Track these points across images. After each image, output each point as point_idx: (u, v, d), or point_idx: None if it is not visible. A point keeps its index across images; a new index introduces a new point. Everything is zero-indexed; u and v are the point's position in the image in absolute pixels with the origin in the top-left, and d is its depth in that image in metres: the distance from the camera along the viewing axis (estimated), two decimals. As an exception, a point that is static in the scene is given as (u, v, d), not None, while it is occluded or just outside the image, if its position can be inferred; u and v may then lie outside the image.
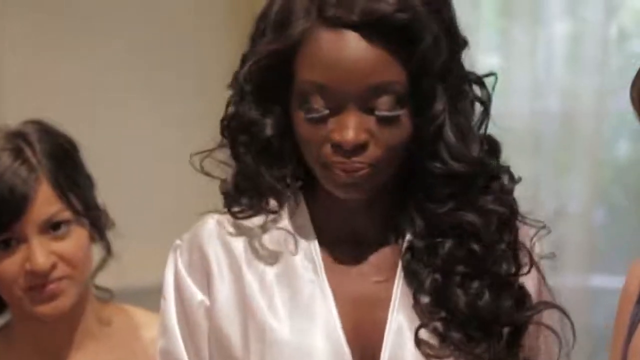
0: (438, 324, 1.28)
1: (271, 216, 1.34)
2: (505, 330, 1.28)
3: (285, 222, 1.35)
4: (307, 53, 1.24)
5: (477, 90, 1.32)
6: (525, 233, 1.35)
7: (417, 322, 1.28)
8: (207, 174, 1.33)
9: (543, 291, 1.36)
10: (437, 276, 1.29)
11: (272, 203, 1.33)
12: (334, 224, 1.34)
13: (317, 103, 1.24)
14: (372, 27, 1.21)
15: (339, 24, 1.22)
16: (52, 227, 1.54)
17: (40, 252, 1.51)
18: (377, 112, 1.23)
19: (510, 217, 1.31)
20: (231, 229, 1.35)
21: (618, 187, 3.91)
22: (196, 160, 1.33)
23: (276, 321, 1.28)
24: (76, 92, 3.12)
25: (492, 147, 1.33)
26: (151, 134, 3.31)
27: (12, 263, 1.53)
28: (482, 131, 1.32)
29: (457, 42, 1.29)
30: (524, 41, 3.50)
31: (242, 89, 1.30)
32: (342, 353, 1.27)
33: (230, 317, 1.31)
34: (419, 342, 1.27)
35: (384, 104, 1.23)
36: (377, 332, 1.29)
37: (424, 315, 1.28)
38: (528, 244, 1.34)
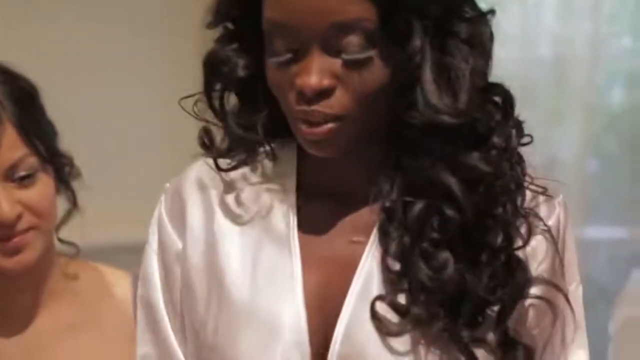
0: (401, 296, 1.15)
1: (255, 166, 1.27)
2: (468, 307, 1.14)
3: (269, 173, 1.27)
4: None
5: (472, 28, 1.16)
6: (543, 204, 1.22)
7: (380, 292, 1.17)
8: (200, 118, 1.25)
9: (557, 270, 1.23)
10: (406, 240, 1.16)
11: (260, 152, 1.26)
12: (319, 177, 1.24)
13: (280, 45, 1.13)
14: None
15: None
16: (18, 175, 1.47)
17: (6, 200, 1.45)
18: (344, 55, 1.11)
19: (498, 178, 1.17)
20: (213, 177, 1.28)
21: (611, 136, 3.89)
22: (186, 105, 1.24)
23: (237, 279, 1.22)
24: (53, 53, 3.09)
25: (500, 97, 1.19)
26: (123, 87, 3.26)
27: None
28: (479, 79, 1.15)
29: None
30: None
31: (222, 26, 1.21)
32: (299, 317, 1.18)
33: (198, 269, 1.25)
34: (374, 315, 1.15)
35: (351, 45, 1.10)
36: (341, 298, 1.18)
37: (388, 285, 1.16)
38: (546, 214, 1.22)
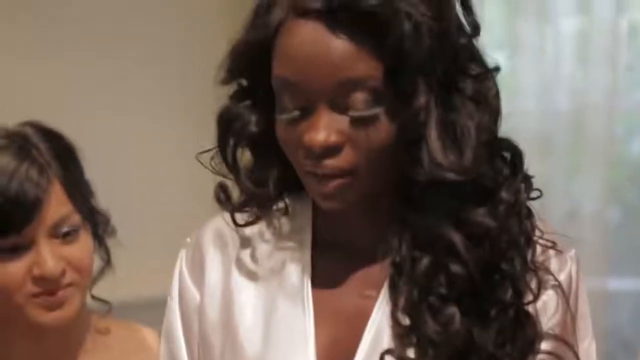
0: (410, 350, 1.17)
1: (270, 221, 1.30)
2: None
3: (284, 229, 1.29)
4: (278, 45, 1.15)
5: (477, 85, 1.17)
6: (553, 258, 1.24)
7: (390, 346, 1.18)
8: (217, 173, 1.28)
9: (568, 325, 1.23)
10: (414, 295, 1.17)
11: (275, 207, 1.29)
12: (332, 231, 1.27)
13: (288, 102, 1.15)
14: (338, 15, 1.10)
15: (305, 12, 1.12)
16: (62, 232, 1.50)
17: (51, 256, 1.48)
18: (351, 112, 1.13)
19: (502, 234, 1.17)
20: (230, 231, 1.31)
21: (632, 186, 3.88)
22: (202, 159, 1.28)
23: (250, 334, 1.24)
24: (63, 96, 3.10)
25: (509, 152, 1.21)
26: (150, 141, 3.28)
27: (19, 268, 1.49)
28: (485, 135, 1.16)
29: (449, 29, 1.15)
30: (531, 38, 3.46)
31: (236, 82, 1.24)
32: None
33: (214, 323, 1.28)
34: None
35: (358, 103, 1.12)
36: (351, 352, 1.20)
37: (397, 339, 1.18)
38: (557, 268, 1.23)
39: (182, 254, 1.35)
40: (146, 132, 3.28)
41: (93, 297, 1.64)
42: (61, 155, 1.54)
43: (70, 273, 1.51)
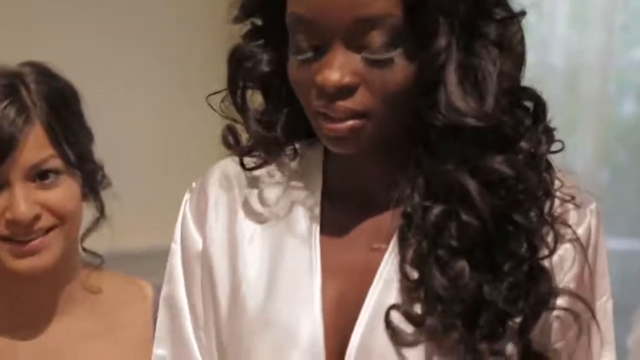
0: (416, 306, 1.13)
1: (280, 164, 1.26)
2: (485, 318, 1.12)
3: (297, 176, 1.26)
4: None
5: (502, 29, 1.12)
6: (572, 212, 1.19)
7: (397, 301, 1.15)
8: (225, 116, 1.24)
9: (585, 281, 1.19)
10: (424, 247, 1.13)
11: (284, 152, 1.25)
12: (344, 180, 1.23)
13: (302, 41, 1.11)
14: None
15: None
16: (40, 174, 1.46)
17: (24, 200, 1.43)
18: (365, 54, 1.08)
19: (518, 183, 1.13)
20: (238, 174, 1.28)
21: (622, 147, 3.88)
22: (212, 103, 1.24)
23: (253, 287, 1.21)
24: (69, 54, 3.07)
25: (531, 102, 1.16)
26: (142, 93, 3.26)
27: None
28: (507, 82, 1.11)
29: None
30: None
31: (249, 21, 1.20)
32: (316, 326, 1.17)
33: (220, 269, 1.25)
34: (389, 325, 1.13)
35: (375, 42, 1.08)
36: (358, 306, 1.16)
37: (405, 294, 1.14)
38: (576, 222, 1.19)
39: (187, 197, 1.32)
40: (145, 82, 3.26)
41: (84, 249, 1.59)
42: (53, 98, 1.49)
43: (47, 218, 1.46)
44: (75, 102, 1.55)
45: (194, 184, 1.33)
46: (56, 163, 1.47)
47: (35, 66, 1.52)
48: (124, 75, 3.22)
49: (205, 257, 1.27)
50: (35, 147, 1.45)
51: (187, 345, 1.28)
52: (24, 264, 1.46)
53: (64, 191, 1.48)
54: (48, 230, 1.47)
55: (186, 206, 1.31)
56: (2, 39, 2.84)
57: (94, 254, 1.60)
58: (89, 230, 1.58)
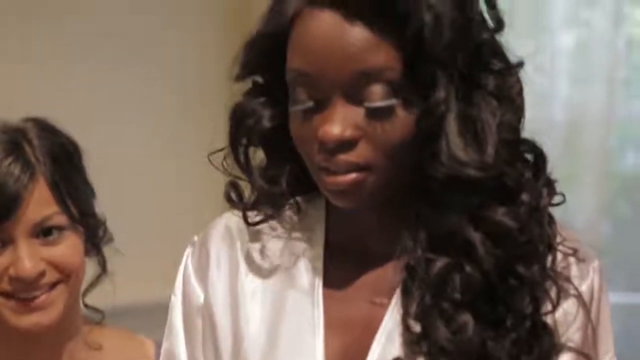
0: (419, 359, 1.13)
1: (282, 219, 1.27)
2: None
3: (300, 229, 1.26)
4: (293, 37, 1.12)
5: (500, 80, 1.13)
6: (574, 266, 1.20)
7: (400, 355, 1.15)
8: (227, 173, 1.25)
9: (589, 338, 1.19)
10: (427, 300, 1.13)
11: (287, 206, 1.26)
12: (345, 233, 1.24)
13: (302, 95, 1.12)
14: (356, 3, 1.07)
15: (321, 2, 1.09)
16: (44, 231, 1.47)
17: (28, 257, 1.44)
18: (366, 104, 1.10)
19: (521, 235, 1.13)
20: (241, 228, 1.28)
21: (624, 200, 3.88)
22: (212, 159, 1.25)
23: (255, 343, 1.21)
24: (71, 99, 3.07)
25: (532, 154, 1.18)
26: (149, 145, 3.26)
27: None
28: (507, 133, 1.13)
29: (471, 22, 1.12)
30: (527, 50, 3.47)
31: (251, 79, 1.21)
32: None
33: (221, 325, 1.25)
34: None
35: (374, 94, 1.09)
36: None
37: (408, 348, 1.14)
38: (579, 280, 1.19)
39: (188, 251, 1.32)
40: (144, 137, 3.26)
41: (86, 305, 1.60)
42: (56, 153, 1.50)
43: (52, 274, 1.47)
44: (77, 157, 1.56)
45: (195, 238, 1.33)
46: (60, 219, 1.48)
47: (37, 122, 1.53)
48: (126, 129, 3.22)
49: (206, 311, 1.26)
50: (40, 204, 1.46)
51: None
52: (28, 321, 1.46)
53: (68, 247, 1.48)
54: (52, 286, 1.46)
55: (188, 260, 1.31)
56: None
57: (95, 309, 1.59)
58: (91, 286, 1.58)
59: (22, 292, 1.45)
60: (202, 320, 1.27)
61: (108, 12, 3.25)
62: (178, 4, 3.41)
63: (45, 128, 1.53)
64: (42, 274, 1.45)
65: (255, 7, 1.22)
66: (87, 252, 1.54)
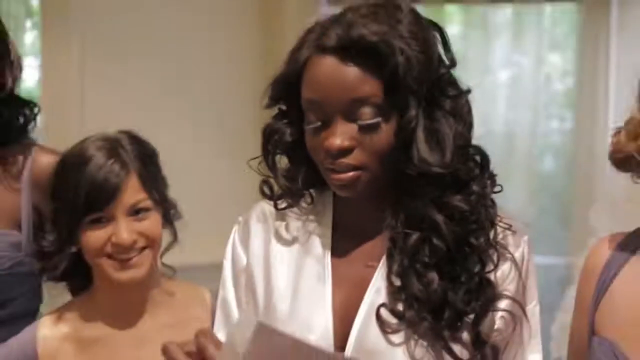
0: (399, 304, 1.14)
1: (303, 208, 1.27)
2: (448, 314, 1.12)
3: (314, 213, 1.26)
4: (305, 75, 1.14)
5: (454, 103, 1.15)
6: (510, 237, 1.20)
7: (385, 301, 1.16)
8: (261, 173, 1.26)
9: (520, 290, 1.19)
10: (405, 263, 1.14)
11: (304, 197, 1.26)
12: (347, 216, 1.24)
13: (313, 117, 1.14)
14: (348, 50, 1.10)
15: (324, 50, 1.12)
16: (136, 211, 1.48)
17: (125, 230, 1.45)
18: (359, 122, 1.12)
19: (471, 215, 1.14)
20: (272, 213, 1.29)
21: (544, 193, 3.88)
22: (251, 164, 1.26)
23: (282, 295, 1.21)
24: (139, 105, 3.07)
25: (480, 155, 1.18)
26: (205, 153, 3.26)
27: (100, 236, 1.46)
28: (460, 141, 1.14)
29: (432, 62, 1.14)
30: (475, 83, 3.48)
31: (277, 107, 1.23)
32: (327, 322, 1.17)
33: (258, 282, 1.25)
34: (379, 318, 1.14)
35: (364, 114, 1.11)
36: (357, 307, 1.17)
37: (391, 296, 1.15)
38: (514, 248, 1.19)
39: (235, 227, 1.32)
40: (207, 148, 3.26)
41: (163, 264, 1.59)
42: (142, 156, 1.51)
43: (141, 242, 1.47)
44: (156, 158, 1.56)
45: (240, 218, 1.33)
46: (147, 203, 1.48)
47: (127, 133, 1.54)
48: (191, 141, 3.21)
49: (248, 271, 1.27)
50: (133, 192, 1.47)
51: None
52: (126, 276, 1.47)
53: (152, 222, 1.49)
54: (141, 250, 1.48)
55: (235, 234, 1.32)
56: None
57: (169, 267, 1.60)
58: (166, 250, 1.58)
59: (121, 254, 1.46)
60: (245, 277, 1.28)
61: (177, 54, 3.24)
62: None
63: (133, 137, 1.54)
64: (134, 242, 1.46)
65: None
66: (163, 226, 1.54)
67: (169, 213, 1.55)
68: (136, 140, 1.53)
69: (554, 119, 3.89)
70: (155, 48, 3.17)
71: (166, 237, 1.57)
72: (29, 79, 3.28)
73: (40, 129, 1.81)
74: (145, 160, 1.51)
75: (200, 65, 3.28)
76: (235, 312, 1.28)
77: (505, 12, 3.64)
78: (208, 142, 3.27)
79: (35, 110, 1.73)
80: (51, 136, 2.61)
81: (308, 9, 3.31)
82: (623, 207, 1.27)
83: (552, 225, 3.75)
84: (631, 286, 1.21)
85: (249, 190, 1.38)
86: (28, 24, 3.17)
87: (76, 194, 1.45)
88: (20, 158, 1.70)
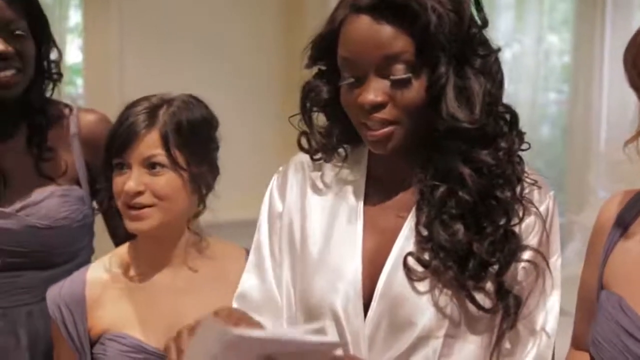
0: (426, 254, 1.09)
1: (339, 161, 1.22)
2: (472, 264, 1.07)
3: (348, 166, 1.21)
4: (341, 35, 1.09)
5: (483, 61, 1.08)
6: (535, 192, 1.13)
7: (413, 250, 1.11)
8: (302, 132, 1.20)
9: (544, 243, 1.13)
10: (432, 214, 1.09)
11: (341, 151, 1.21)
12: (381, 170, 1.19)
13: (347, 73, 1.09)
14: (381, 9, 1.04)
15: (359, 9, 1.06)
16: (151, 165, 1.39)
17: (135, 178, 1.37)
18: (391, 77, 1.06)
19: (498, 169, 1.08)
20: (309, 164, 1.24)
21: (541, 159, 3.83)
22: (294, 121, 1.21)
23: (316, 241, 1.17)
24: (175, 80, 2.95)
25: (509, 114, 1.12)
26: (249, 127, 3.16)
27: (120, 181, 1.39)
28: (488, 98, 1.08)
29: (464, 21, 1.07)
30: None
31: (317, 66, 1.17)
32: (357, 268, 1.12)
33: (297, 229, 1.20)
34: (406, 265, 1.09)
35: (397, 70, 1.05)
36: (387, 255, 1.12)
37: (418, 246, 1.10)
38: (539, 203, 1.12)
39: (275, 176, 1.28)
40: (248, 115, 3.17)
41: (189, 229, 1.48)
42: (181, 119, 1.41)
43: (149, 196, 1.38)
44: (204, 128, 1.46)
45: (280, 168, 1.28)
46: (162, 159, 1.38)
47: (187, 95, 1.45)
48: (229, 113, 3.15)
49: (285, 217, 1.22)
50: (151, 145, 1.38)
51: (267, 275, 1.22)
52: (132, 226, 1.40)
53: (166, 180, 1.39)
54: (150, 206, 1.39)
55: (273, 182, 1.27)
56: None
57: (196, 233, 1.49)
58: (194, 216, 1.48)
59: (129, 201, 1.39)
60: (280, 222, 1.23)
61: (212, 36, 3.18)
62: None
63: (188, 101, 1.44)
64: (140, 193, 1.38)
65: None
66: (194, 191, 1.44)
67: (197, 181, 1.43)
68: (187, 106, 1.43)
69: (551, 90, 3.85)
70: (189, 27, 3.12)
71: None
72: (74, 57, 3.20)
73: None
74: (183, 124, 1.41)
75: (232, 44, 3.23)
76: (268, 254, 1.23)
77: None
78: (241, 110, 3.15)
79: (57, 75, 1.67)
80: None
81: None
82: (623, 168, 1.20)
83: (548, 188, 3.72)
84: (638, 245, 1.15)
85: (288, 146, 1.31)
86: (73, 4, 3.10)
87: (109, 137, 1.41)
88: (65, 120, 1.67)
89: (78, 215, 1.63)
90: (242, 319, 1.09)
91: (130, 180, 1.37)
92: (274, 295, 1.20)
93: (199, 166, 1.43)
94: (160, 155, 1.38)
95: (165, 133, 1.39)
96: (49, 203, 1.59)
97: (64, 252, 1.62)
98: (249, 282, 1.24)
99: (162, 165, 1.38)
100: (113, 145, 1.40)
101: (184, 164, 1.40)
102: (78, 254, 1.65)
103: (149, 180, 1.38)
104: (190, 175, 1.41)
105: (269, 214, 1.25)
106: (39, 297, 1.54)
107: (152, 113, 1.39)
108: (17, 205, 1.57)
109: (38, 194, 1.59)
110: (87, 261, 1.65)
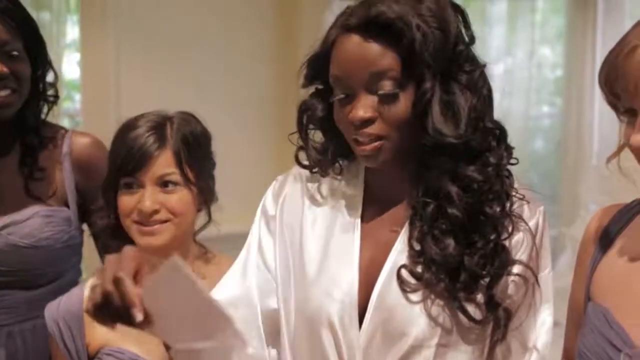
0: (418, 267, 1.10)
1: (336, 176, 1.22)
2: (464, 276, 1.08)
3: (345, 180, 1.22)
4: (333, 54, 1.10)
5: (469, 77, 1.09)
6: (525, 207, 1.14)
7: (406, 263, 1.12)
8: (300, 147, 1.21)
9: (533, 258, 1.13)
10: (424, 229, 1.10)
11: (336, 167, 1.22)
12: (376, 185, 1.20)
13: (339, 91, 1.10)
14: (369, 28, 1.06)
15: (347, 28, 1.08)
16: (164, 183, 1.41)
17: (150, 198, 1.39)
18: (379, 92, 1.07)
19: (486, 185, 1.08)
20: (308, 176, 1.24)
21: (535, 171, 3.84)
22: (292, 139, 1.22)
23: (312, 257, 1.18)
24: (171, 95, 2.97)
25: (498, 129, 1.12)
26: (248, 143, 3.19)
27: (130, 200, 1.40)
28: (474, 114, 1.08)
29: (449, 39, 1.08)
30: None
31: (313, 86, 1.19)
32: (353, 280, 1.13)
33: (292, 243, 1.21)
34: (399, 278, 1.10)
35: (384, 86, 1.06)
36: (381, 267, 1.13)
37: (411, 259, 1.11)
38: (529, 218, 1.13)
39: (273, 183, 1.28)
40: (247, 131, 3.20)
41: (195, 241, 1.51)
42: (187, 136, 1.44)
43: (164, 213, 1.41)
44: (205, 143, 1.49)
45: (279, 177, 1.28)
46: (176, 177, 1.41)
47: (183, 113, 1.47)
48: (226, 128, 3.16)
49: (278, 221, 1.23)
50: (164, 164, 1.40)
51: (249, 273, 1.22)
52: (144, 241, 1.40)
53: (179, 197, 1.41)
54: (163, 222, 1.41)
55: (270, 190, 1.27)
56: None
57: (201, 245, 1.52)
58: (200, 229, 1.51)
59: (144, 220, 1.40)
60: (274, 224, 1.23)
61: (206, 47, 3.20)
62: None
63: (186, 118, 1.47)
64: (156, 211, 1.40)
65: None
66: (199, 207, 1.47)
67: (204, 194, 1.46)
68: (188, 122, 1.46)
69: (543, 103, 3.87)
70: (185, 42, 3.13)
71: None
72: (72, 73, 3.23)
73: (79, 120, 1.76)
74: (189, 140, 1.43)
75: (229, 59, 3.24)
76: (254, 253, 1.23)
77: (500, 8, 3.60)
78: (238, 124, 3.19)
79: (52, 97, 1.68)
80: (89, 126, 2.56)
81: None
82: (613, 182, 1.20)
83: (541, 200, 3.71)
84: (622, 258, 1.15)
85: (285, 161, 1.32)
86: (70, 22, 3.12)
87: (116, 156, 1.42)
88: (59, 141, 1.67)
89: (63, 236, 1.63)
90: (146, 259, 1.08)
91: (145, 200, 1.39)
92: (252, 294, 1.21)
93: (205, 180, 1.46)
94: (174, 174, 1.41)
95: (177, 151, 1.41)
96: (32, 222, 1.60)
97: (48, 272, 1.62)
98: (232, 276, 1.25)
99: (175, 183, 1.41)
100: (123, 167, 1.40)
101: (193, 179, 1.43)
102: (63, 275, 1.65)
103: (163, 199, 1.40)
104: (198, 189, 1.44)
105: (261, 213, 1.26)
106: (20, 317, 1.56)
107: (159, 132, 1.41)
108: (0, 223, 1.58)
109: (23, 213, 1.60)
110: (73, 282, 1.65)
